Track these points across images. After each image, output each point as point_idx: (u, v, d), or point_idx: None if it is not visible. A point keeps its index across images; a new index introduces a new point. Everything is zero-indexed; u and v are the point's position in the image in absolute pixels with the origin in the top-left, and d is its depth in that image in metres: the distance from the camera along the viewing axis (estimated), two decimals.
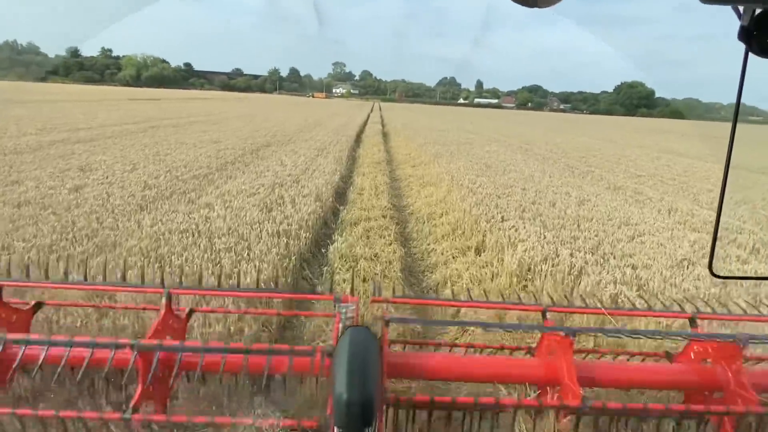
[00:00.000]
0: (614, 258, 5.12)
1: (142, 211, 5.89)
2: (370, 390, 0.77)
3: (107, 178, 7.64)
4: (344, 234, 5.85)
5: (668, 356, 2.25)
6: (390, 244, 5.57)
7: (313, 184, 8.08)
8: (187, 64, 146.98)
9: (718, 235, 0.94)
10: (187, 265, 4.11)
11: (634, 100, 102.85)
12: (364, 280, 4.31)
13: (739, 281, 4.20)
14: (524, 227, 6.16)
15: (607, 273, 4.57)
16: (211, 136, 14.60)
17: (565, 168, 12.41)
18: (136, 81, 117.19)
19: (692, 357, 2.14)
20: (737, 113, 0.49)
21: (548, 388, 2.06)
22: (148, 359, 1.79)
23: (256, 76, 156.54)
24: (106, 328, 2.94)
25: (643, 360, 2.40)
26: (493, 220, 6.41)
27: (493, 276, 4.63)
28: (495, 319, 3.27)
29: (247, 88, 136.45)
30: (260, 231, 5.27)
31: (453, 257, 5.35)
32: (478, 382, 2.18)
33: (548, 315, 2.23)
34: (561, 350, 1.95)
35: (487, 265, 4.91)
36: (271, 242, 4.89)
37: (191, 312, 2.35)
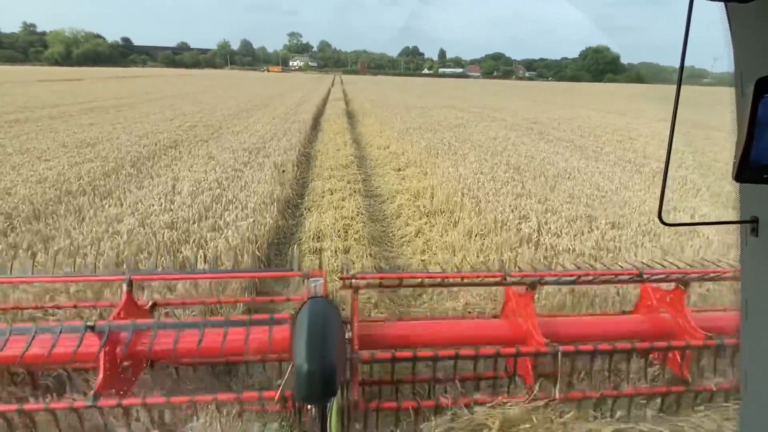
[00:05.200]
0: None
1: None
2: (331, 360, 0.72)
3: None
4: None
5: (624, 313, 2.61)
6: None
7: (216, 249, 3.75)
8: (126, 39, 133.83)
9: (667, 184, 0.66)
10: None
11: (600, 66, 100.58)
12: None
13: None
14: None
15: None
16: (90, 135, 9.70)
17: (620, 164, 8.49)
18: (66, 59, 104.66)
19: (644, 310, 2.49)
20: (684, 57, 0.54)
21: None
22: (107, 345, 1.86)
23: (204, 51, 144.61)
24: None
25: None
26: None
27: None
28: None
29: (195, 64, 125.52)
30: None
31: None
32: (446, 346, 2.22)
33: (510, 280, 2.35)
34: (523, 306, 2.24)
35: None
36: None
37: (154, 305, 2.33)
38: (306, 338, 0.72)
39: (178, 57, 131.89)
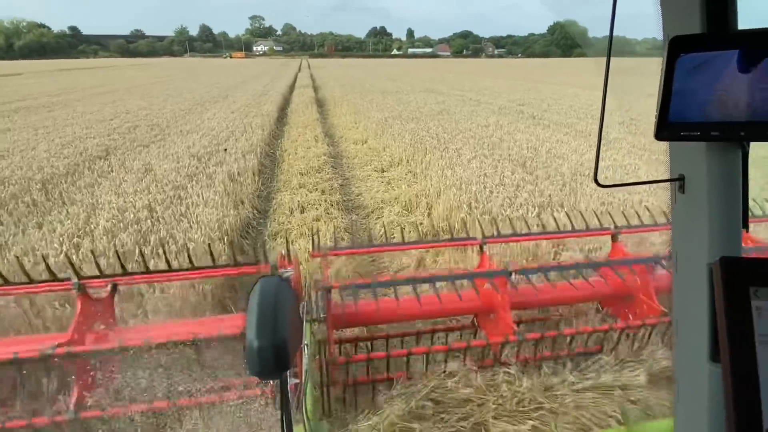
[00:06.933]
0: None
1: None
2: (282, 335, 0.69)
3: None
4: None
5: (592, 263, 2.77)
6: None
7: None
8: (74, 29, 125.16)
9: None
10: None
11: (569, 40, 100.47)
12: None
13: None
14: None
15: None
16: None
17: (636, 152, 7.40)
18: (8, 52, 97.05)
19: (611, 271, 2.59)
20: (612, 24, 0.57)
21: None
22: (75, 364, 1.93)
23: (161, 38, 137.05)
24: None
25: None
26: None
27: None
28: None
29: (151, 53, 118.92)
30: None
31: None
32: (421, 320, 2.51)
33: (485, 248, 2.54)
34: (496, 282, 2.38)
35: None
36: None
37: (114, 287, 2.25)
38: (256, 315, 0.68)
39: (133, 45, 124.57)
